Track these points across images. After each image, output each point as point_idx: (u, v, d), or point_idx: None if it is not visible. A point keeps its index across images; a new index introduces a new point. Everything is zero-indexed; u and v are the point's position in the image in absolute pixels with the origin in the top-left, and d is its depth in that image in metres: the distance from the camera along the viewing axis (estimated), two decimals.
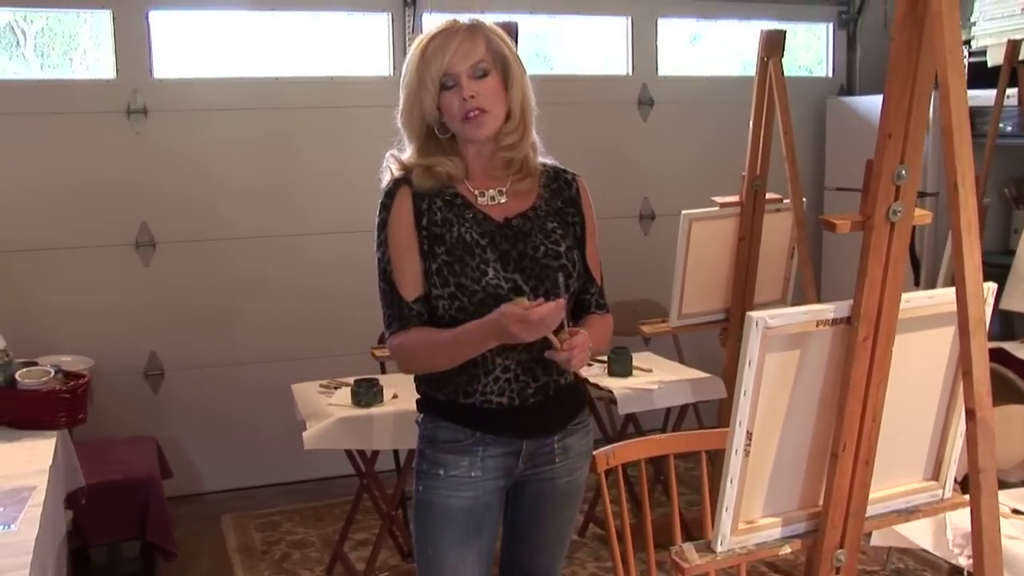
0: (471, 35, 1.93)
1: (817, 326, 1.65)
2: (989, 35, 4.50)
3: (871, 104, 5.23)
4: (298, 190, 4.71)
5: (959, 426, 1.88)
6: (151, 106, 4.45)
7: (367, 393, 3.41)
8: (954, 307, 1.77)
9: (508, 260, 1.95)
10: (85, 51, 4.51)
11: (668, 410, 4.04)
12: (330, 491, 4.60)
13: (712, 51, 5.51)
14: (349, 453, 3.66)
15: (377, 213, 1.99)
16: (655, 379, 3.74)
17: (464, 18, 1.97)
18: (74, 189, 4.40)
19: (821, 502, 1.76)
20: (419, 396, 2.09)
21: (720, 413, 3.97)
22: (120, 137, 4.44)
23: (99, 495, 3.33)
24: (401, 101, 1.99)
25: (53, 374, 2.97)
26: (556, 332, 1.90)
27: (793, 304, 4.06)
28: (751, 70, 5.56)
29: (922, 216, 1.68)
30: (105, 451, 3.78)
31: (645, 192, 5.32)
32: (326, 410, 3.40)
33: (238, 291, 4.67)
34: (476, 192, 1.99)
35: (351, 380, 3.58)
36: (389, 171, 2.02)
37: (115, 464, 3.66)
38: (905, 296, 1.69)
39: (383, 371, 3.99)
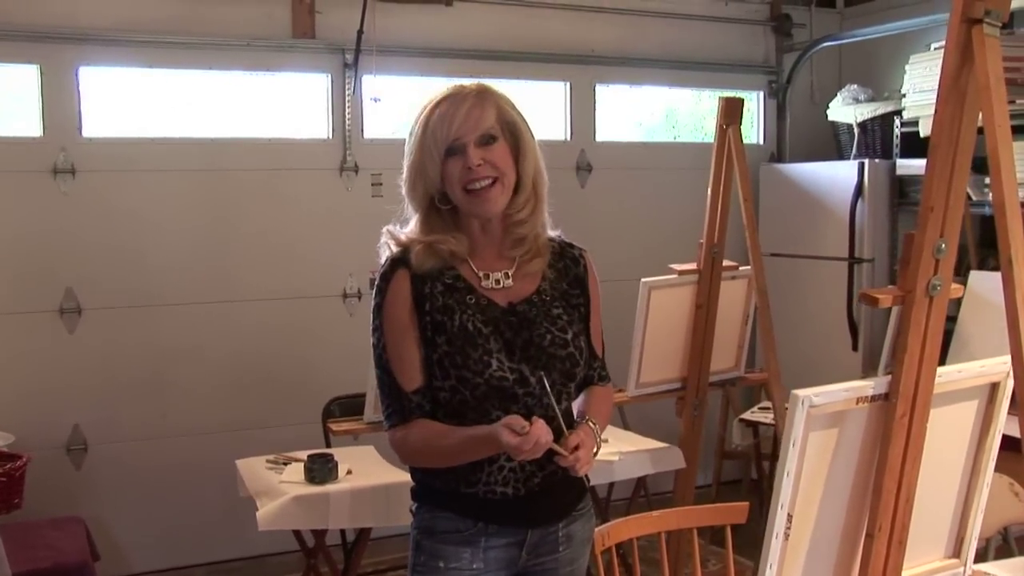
0: (480, 101, 1.82)
1: (857, 403, 1.60)
2: (919, 106, 4.64)
3: (803, 171, 5.33)
4: (234, 254, 4.53)
5: (981, 502, 1.85)
6: (79, 165, 4.24)
7: (321, 469, 3.25)
8: (980, 381, 1.77)
9: (513, 350, 1.84)
10: None
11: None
12: (267, 569, 4.37)
13: (607, 115, 5.47)
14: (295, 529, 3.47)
15: (372, 296, 1.88)
16: (613, 450, 3.66)
17: (471, 83, 1.88)
18: None
19: None
20: (414, 484, 1.96)
21: (676, 483, 3.91)
22: (45, 197, 4.21)
23: None
24: (404, 170, 1.88)
25: None
26: (557, 439, 1.80)
27: (747, 373, 4.08)
28: (653, 136, 5.68)
29: (956, 289, 1.66)
30: (30, 535, 3.49)
31: None
32: (278, 488, 3.22)
33: (169, 360, 4.44)
34: (480, 274, 1.88)
35: (302, 455, 3.41)
36: (387, 248, 1.90)
37: (42, 550, 3.38)
38: (937, 370, 1.66)
39: (328, 444, 3.82)
